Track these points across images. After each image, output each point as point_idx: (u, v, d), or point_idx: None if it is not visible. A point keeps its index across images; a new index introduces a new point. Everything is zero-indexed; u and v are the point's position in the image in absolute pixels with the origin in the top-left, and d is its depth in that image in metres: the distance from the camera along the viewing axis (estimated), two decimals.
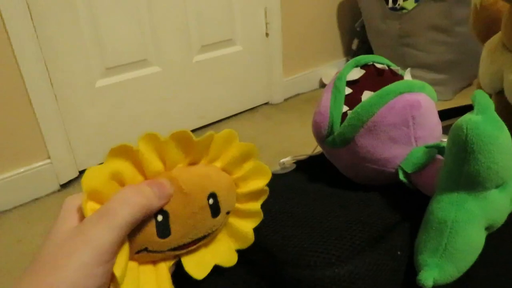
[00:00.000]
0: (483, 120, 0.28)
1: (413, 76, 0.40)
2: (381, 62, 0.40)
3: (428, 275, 0.30)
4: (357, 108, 0.36)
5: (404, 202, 0.36)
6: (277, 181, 0.42)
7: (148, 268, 0.28)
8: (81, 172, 1.36)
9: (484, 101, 0.30)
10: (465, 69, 1.65)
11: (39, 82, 1.18)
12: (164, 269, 0.28)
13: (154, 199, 0.25)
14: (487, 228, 0.31)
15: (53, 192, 1.29)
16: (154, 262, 0.28)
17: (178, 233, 0.27)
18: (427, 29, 1.61)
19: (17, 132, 1.19)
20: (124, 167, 0.26)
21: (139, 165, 0.26)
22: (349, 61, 0.41)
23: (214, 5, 1.50)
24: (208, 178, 0.29)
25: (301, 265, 0.31)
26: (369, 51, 1.93)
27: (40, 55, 1.16)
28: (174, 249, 0.28)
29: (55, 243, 0.24)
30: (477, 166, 0.29)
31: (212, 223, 0.29)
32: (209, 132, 0.29)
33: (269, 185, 0.38)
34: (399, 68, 0.41)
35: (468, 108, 0.54)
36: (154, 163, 0.27)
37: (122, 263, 0.24)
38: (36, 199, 1.26)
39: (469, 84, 1.83)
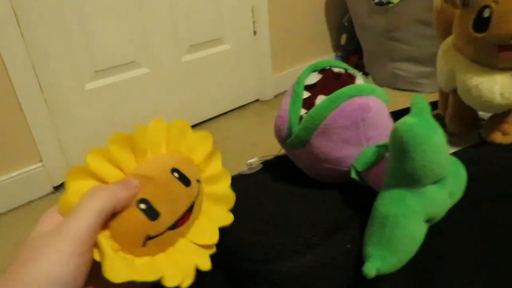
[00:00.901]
0: (417, 122, 0.31)
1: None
2: (338, 66, 0.43)
3: (371, 266, 0.32)
4: (310, 111, 0.38)
5: (357, 199, 0.38)
6: (243, 181, 0.45)
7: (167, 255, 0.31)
8: None
9: (420, 105, 0.32)
10: None
11: (28, 87, 1.20)
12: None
13: (118, 191, 0.28)
14: (427, 221, 0.34)
15: (47, 194, 1.31)
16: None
17: (166, 211, 0.30)
18: (413, 23, 1.63)
19: (9, 137, 1.21)
20: (103, 166, 0.29)
21: (115, 163, 0.29)
22: (308, 66, 0.43)
23: (202, 5, 1.52)
24: (164, 158, 0.32)
25: (258, 259, 0.34)
26: (358, 46, 1.95)
27: (28, 60, 1.18)
28: (173, 227, 0.31)
29: (31, 242, 0.26)
30: (412, 164, 0.31)
31: (189, 192, 0.32)
32: (155, 120, 0.33)
33: (235, 184, 0.40)
34: (355, 71, 0.43)
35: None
36: (125, 159, 0.30)
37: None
38: (30, 201, 1.28)
39: None
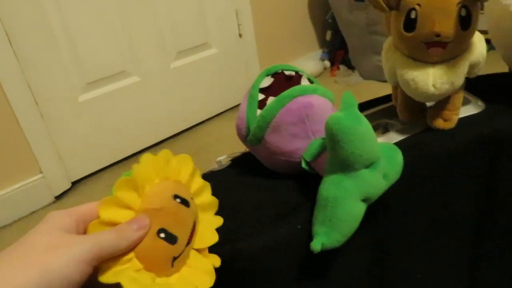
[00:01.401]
0: (344, 116, 0.36)
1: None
2: (289, 69, 0.48)
3: (317, 242, 0.38)
4: (262, 111, 0.44)
5: (309, 186, 0.43)
6: (213, 177, 0.50)
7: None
8: (74, 183, 1.44)
9: (349, 100, 0.37)
10: None
11: (23, 102, 1.26)
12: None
13: (131, 232, 0.31)
14: (364, 200, 0.39)
15: (49, 204, 1.37)
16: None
17: (181, 232, 0.35)
18: None
19: (8, 151, 1.27)
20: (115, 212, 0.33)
21: (125, 205, 0.34)
22: (262, 71, 0.48)
23: (186, 11, 1.57)
24: (162, 188, 0.36)
25: (217, 241, 0.39)
26: (343, 41, 1.99)
27: (22, 77, 1.24)
28: (187, 243, 0.36)
29: (49, 232, 0.28)
30: (343, 152, 0.36)
31: (191, 211, 0.37)
32: (163, 151, 0.37)
33: (207, 180, 0.46)
34: (304, 73, 0.48)
35: (379, 100, 0.61)
36: (132, 199, 0.34)
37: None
38: (33, 212, 1.34)
39: None
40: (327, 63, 2.11)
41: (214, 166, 0.52)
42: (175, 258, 0.35)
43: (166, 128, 1.63)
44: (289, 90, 0.43)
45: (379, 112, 0.60)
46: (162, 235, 0.34)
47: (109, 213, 0.32)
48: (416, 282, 0.57)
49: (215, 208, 0.41)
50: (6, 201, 1.28)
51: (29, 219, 1.32)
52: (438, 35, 0.43)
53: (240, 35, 1.77)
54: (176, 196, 0.35)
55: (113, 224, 0.32)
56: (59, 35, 1.30)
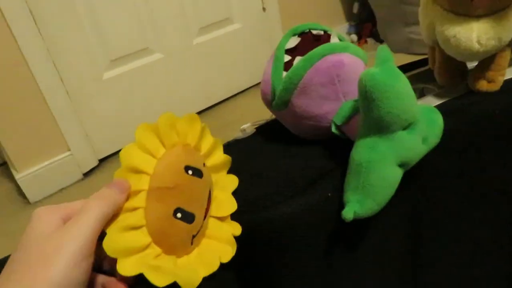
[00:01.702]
0: (379, 71, 0.33)
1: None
2: (317, 28, 0.45)
3: (349, 210, 0.35)
4: (288, 72, 0.41)
5: (339, 152, 0.40)
6: (237, 145, 0.48)
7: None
8: (101, 161, 1.46)
9: (384, 55, 0.34)
10: None
11: (50, 81, 1.26)
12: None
13: (115, 196, 0.30)
14: (401, 166, 0.36)
15: (77, 181, 1.39)
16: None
17: (197, 208, 0.33)
18: None
19: (37, 130, 1.29)
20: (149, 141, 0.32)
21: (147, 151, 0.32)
22: (288, 31, 0.45)
23: None
24: (175, 157, 0.33)
25: (245, 210, 0.37)
26: (371, 13, 1.91)
27: (48, 55, 1.25)
28: (204, 217, 0.34)
29: (35, 244, 0.27)
30: (378, 111, 0.33)
31: (204, 182, 0.35)
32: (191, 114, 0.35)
33: (231, 148, 0.43)
34: (333, 32, 0.45)
35: (415, 64, 0.57)
36: (171, 137, 0.33)
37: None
38: (62, 189, 1.37)
39: None
40: (354, 37, 2.03)
41: (239, 134, 0.50)
42: (194, 236, 0.33)
43: (189, 105, 1.62)
44: (318, 48, 0.40)
45: (415, 76, 0.56)
46: (179, 215, 0.31)
47: (131, 159, 0.30)
48: (454, 262, 0.54)
49: (228, 166, 0.38)
50: (36, 178, 1.31)
51: (59, 196, 1.34)
52: None
53: (264, 9, 1.72)
54: (187, 168, 0.33)
55: (136, 170, 0.31)
56: (82, 13, 1.29)
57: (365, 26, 2.00)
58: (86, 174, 1.41)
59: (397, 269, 0.48)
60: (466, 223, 0.52)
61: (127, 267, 0.28)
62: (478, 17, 0.42)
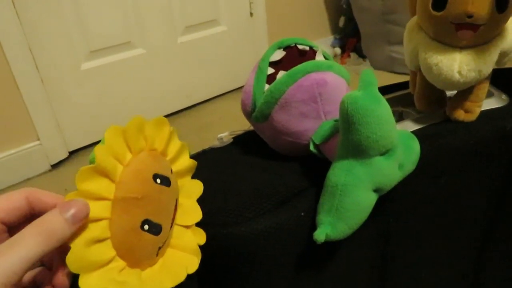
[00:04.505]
0: (361, 95, 0.32)
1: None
2: (303, 43, 0.44)
3: (321, 232, 0.34)
4: (271, 86, 0.40)
5: (315, 171, 0.40)
6: (213, 154, 0.47)
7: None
8: (71, 153, 1.42)
9: (368, 79, 0.34)
10: None
11: (24, 66, 1.22)
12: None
13: (62, 231, 0.25)
14: (376, 191, 0.36)
15: (44, 172, 1.35)
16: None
17: (164, 219, 0.32)
18: None
19: (6, 115, 1.23)
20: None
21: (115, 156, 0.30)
22: (273, 43, 0.44)
23: None
24: (143, 165, 0.31)
25: (214, 223, 0.36)
26: (356, 28, 1.94)
27: (24, 39, 1.20)
28: (171, 226, 0.33)
29: None
30: (357, 135, 0.33)
31: (172, 191, 0.33)
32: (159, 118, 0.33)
33: (206, 157, 0.42)
34: (319, 48, 0.44)
35: (396, 86, 0.57)
36: (139, 142, 0.31)
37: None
38: (28, 179, 1.32)
39: None
40: (338, 50, 2.05)
41: (215, 143, 0.49)
42: (160, 247, 0.32)
43: (169, 104, 1.60)
44: (302, 65, 0.39)
45: (394, 99, 0.56)
46: (146, 227, 0.30)
47: (100, 161, 0.28)
48: (419, 280, 0.54)
49: (193, 171, 0.37)
50: (1, 166, 1.25)
51: (23, 185, 1.29)
52: (470, 16, 0.39)
53: (251, 14, 1.72)
54: (156, 176, 0.31)
55: (90, 220, 0.27)
56: (65, 0, 1.25)
57: (350, 41, 2.02)
58: (55, 166, 1.36)
59: None
60: (433, 247, 0.52)
61: (90, 284, 0.26)
62: (461, 48, 0.43)
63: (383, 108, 0.33)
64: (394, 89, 0.59)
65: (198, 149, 0.48)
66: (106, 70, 1.41)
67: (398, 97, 0.56)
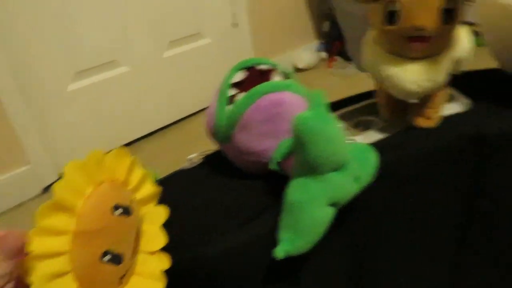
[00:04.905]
0: (310, 116, 0.34)
1: None
2: (264, 63, 0.45)
3: (280, 249, 0.35)
4: (231, 108, 0.41)
5: (278, 188, 0.41)
6: (182, 176, 0.48)
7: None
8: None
9: (317, 100, 0.35)
10: None
11: (9, 89, 1.23)
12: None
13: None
14: (332, 205, 0.37)
15: (36, 196, 1.35)
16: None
17: (125, 248, 0.33)
18: None
19: None
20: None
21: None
22: (235, 65, 0.46)
23: None
24: (103, 197, 0.33)
25: (180, 246, 0.37)
26: (340, 32, 1.95)
27: (8, 62, 1.21)
28: (133, 254, 0.34)
29: None
30: (309, 154, 0.34)
31: (133, 219, 0.34)
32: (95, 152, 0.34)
33: (175, 179, 0.43)
34: (279, 67, 0.46)
35: (362, 96, 0.59)
36: (99, 173, 0.32)
37: None
38: (20, 204, 1.32)
39: None
40: (324, 55, 2.07)
41: (185, 164, 0.50)
42: (123, 276, 0.33)
43: (157, 119, 1.61)
44: (260, 86, 0.41)
45: (361, 108, 0.57)
46: (107, 257, 0.31)
47: (41, 246, 0.28)
48: (397, 285, 0.55)
49: (157, 197, 0.38)
50: None
51: (16, 211, 1.30)
52: (420, 29, 0.41)
53: (235, 25, 1.73)
54: (116, 207, 0.32)
55: (50, 255, 0.29)
56: (48, 21, 1.27)
57: (335, 45, 2.04)
58: (46, 189, 1.37)
59: None
60: (407, 254, 0.53)
61: None
62: (415, 59, 0.44)
63: (332, 127, 0.34)
64: (362, 99, 0.60)
65: None
66: (93, 90, 1.42)
67: (365, 106, 0.58)
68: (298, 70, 2.02)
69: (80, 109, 1.41)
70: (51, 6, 1.26)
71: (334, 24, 2.00)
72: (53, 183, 1.36)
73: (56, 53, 1.31)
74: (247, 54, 1.79)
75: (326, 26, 2.05)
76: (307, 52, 2.02)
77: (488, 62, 0.62)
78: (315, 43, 2.09)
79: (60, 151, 1.39)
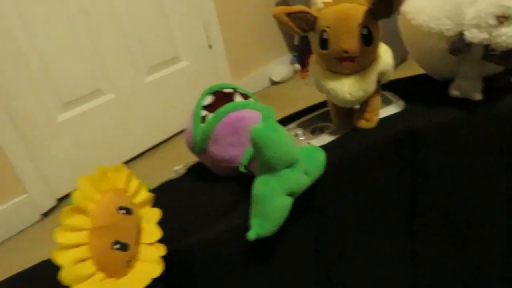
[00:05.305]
0: (262, 127, 0.44)
1: None
2: (227, 87, 0.56)
3: (252, 232, 0.45)
4: (203, 126, 0.52)
5: (248, 186, 0.51)
6: (169, 185, 0.58)
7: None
8: (59, 200, 1.50)
9: (266, 113, 0.45)
10: (395, 46, 1.81)
11: (3, 126, 1.31)
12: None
13: None
14: (290, 195, 0.47)
15: (36, 222, 1.43)
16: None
17: (130, 239, 0.43)
18: None
19: None
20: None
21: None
22: (204, 90, 0.56)
23: (152, 26, 1.63)
24: (109, 200, 0.43)
25: (171, 239, 0.47)
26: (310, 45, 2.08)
27: None
28: (136, 244, 0.44)
29: None
30: (264, 157, 0.44)
31: (134, 218, 0.44)
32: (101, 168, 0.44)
33: (164, 188, 0.53)
34: (240, 89, 0.56)
35: (319, 105, 0.69)
36: (104, 184, 0.42)
37: None
38: (21, 231, 1.40)
39: (404, 59, 1.99)
40: (298, 66, 2.19)
41: (172, 175, 0.60)
42: (129, 261, 0.43)
43: (144, 141, 1.70)
44: (224, 107, 0.51)
45: (318, 116, 0.68)
46: (116, 246, 0.41)
47: (67, 239, 0.39)
48: (361, 269, 0.65)
49: (151, 202, 0.48)
50: None
51: (18, 238, 1.37)
52: (346, 52, 0.52)
53: (210, 46, 1.85)
54: (120, 208, 0.42)
55: (74, 246, 0.39)
56: (31, 59, 1.35)
57: (307, 56, 2.17)
58: (45, 214, 1.45)
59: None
60: (365, 236, 0.63)
61: None
62: (347, 74, 0.55)
63: (279, 134, 0.45)
64: (319, 108, 0.71)
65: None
66: (81, 119, 1.51)
67: (321, 114, 0.69)
68: (274, 83, 2.14)
69: (71, 138, 1.49)
70: (29, 43, 1.35)
71: (304, 37, 2.12)
72: (51, 209, 1.45)
73: (42, 88, 1.40)
74: (224, 72, 1.91)
75: (297, 39, 2.18)
76: (281, 66, 2.14)
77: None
78: (288, 56, 2.22)
79: (55, 178, 1.47)
